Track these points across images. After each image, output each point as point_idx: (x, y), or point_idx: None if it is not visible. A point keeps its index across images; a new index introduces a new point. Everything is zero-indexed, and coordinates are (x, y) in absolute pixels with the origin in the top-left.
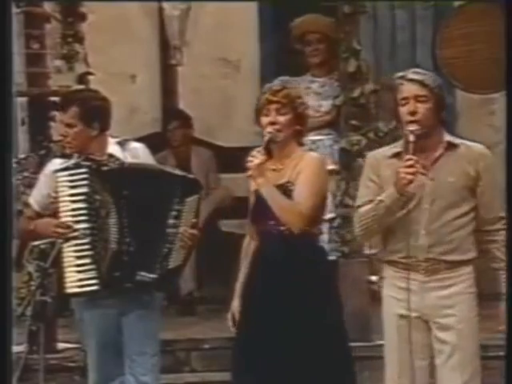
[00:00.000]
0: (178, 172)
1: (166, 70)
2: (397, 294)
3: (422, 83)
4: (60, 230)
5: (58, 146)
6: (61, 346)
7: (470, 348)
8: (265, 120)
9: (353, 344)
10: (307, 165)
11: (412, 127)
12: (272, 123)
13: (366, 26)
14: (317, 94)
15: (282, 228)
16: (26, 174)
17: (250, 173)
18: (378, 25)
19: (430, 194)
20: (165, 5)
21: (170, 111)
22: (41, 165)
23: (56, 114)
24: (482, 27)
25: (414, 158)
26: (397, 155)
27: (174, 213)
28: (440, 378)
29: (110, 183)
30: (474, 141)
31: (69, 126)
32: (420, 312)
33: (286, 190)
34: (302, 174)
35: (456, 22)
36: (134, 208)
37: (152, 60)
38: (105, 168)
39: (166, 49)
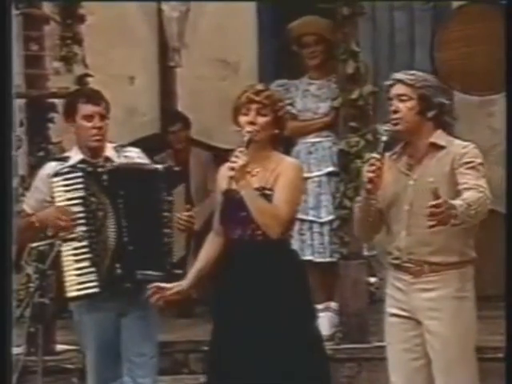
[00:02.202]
0: (159, 166)
1: (165, 72)
2: (393, 293)
3: (403, 82)
4: (64, 217)
5: (57, 147)
6: (59, 347)
7: (455, 354)
8: (244, 119)
9: (351, 345)
10: (286, 170)
11: (387, 127)
12: (251, 123)
13: (364, 27)
14: (315, 96)
15: (254, 233)
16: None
17: (232, 174)
18: (376, 26)
19: (411, 195)
20: (164, 6)
21: (172, 113)
22: (37, 166)
23: (55, 115)
24: (480, 29)
25: (377, 157)
26: (392, 156)
27: (165, 207)
28: (434, 377)
29: (106, 184)
30: (472, 142)
31: (103, 117)
32: (411, 312)
33: (263, 194)
34: (280, 180)
35: (454, 24)
36: (130, 207)
37: (150, 62)
38: (100, 169)
39: (164, 50)
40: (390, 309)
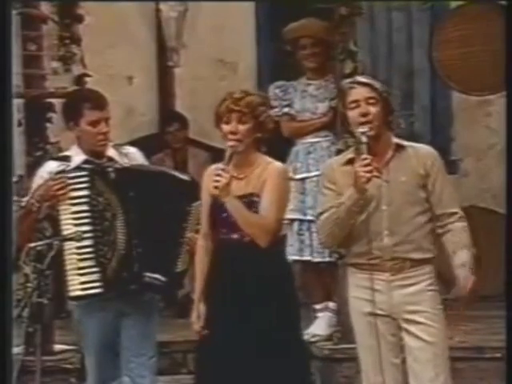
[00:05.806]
0: (184, 176)
1: (163, 72)
2: (364, 294)
3: (371, 86)
4: (56, 183)
5: (55, 147)
6: (57, 347)
7: (441, 342)
8: (226, 128)
9: (350, 345)
10: (272, 176)
11: (364, 129)
12: (232, 133)
13: (362, 27)
14: (313, 97)
15: (243, 234)
16: None
17: (216, 192)
18: (374, 26)
19: (387, 196)
20: (162, 6)
21: (170, 113)
22: (35, 166)
23: (53, 115)
24: (478, 29)
25: (370, 157)
26: (350, 162)
27: (182, 216)
28: (412, 372)
29: (117, 185)
30: (470, 142)
31: (108, 121)
32: (388, 311)
33: (250, 201)
34: (267, 186)
35: (452, 24)
36: (142, 210)
37: (149, 62)
38: (110, 170)
39: (162, 50)
40: (363, 309)
